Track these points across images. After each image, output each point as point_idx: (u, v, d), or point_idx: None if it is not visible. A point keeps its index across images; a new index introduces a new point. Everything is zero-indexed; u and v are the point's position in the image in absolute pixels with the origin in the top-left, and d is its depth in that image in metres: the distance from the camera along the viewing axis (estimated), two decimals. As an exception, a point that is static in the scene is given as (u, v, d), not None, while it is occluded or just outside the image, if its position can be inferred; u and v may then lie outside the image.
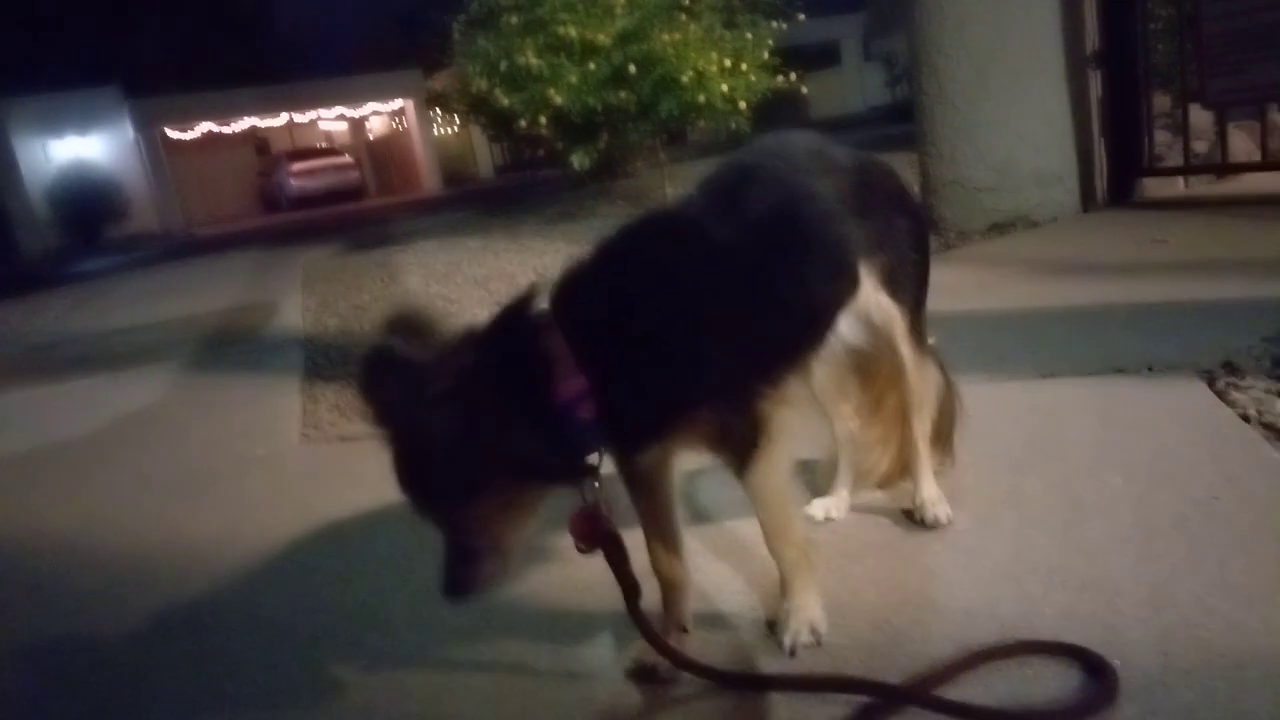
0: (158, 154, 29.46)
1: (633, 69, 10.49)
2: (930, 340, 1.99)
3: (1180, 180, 5.45)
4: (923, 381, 1.92)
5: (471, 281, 6.74)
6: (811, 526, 1.98)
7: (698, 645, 1.61)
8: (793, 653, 1.56)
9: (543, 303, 1.43)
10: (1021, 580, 1.66)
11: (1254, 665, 1.34)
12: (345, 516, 2.57)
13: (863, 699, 1.39)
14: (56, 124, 27.65)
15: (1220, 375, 2.45)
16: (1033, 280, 3.99)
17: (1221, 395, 2.33)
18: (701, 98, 10.70)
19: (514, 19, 10.90)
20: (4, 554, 2.84)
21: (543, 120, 11.04)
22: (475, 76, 11.53)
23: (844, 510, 2.05)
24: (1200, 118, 5.34)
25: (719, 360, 1.47)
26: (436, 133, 32.66)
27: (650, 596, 1.58)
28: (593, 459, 1.47)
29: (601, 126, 11.43)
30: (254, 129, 33.69)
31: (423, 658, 1.79)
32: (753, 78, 11.25)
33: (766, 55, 11.61)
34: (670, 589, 1.63)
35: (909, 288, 1.84)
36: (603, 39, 10.52)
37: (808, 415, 1.95)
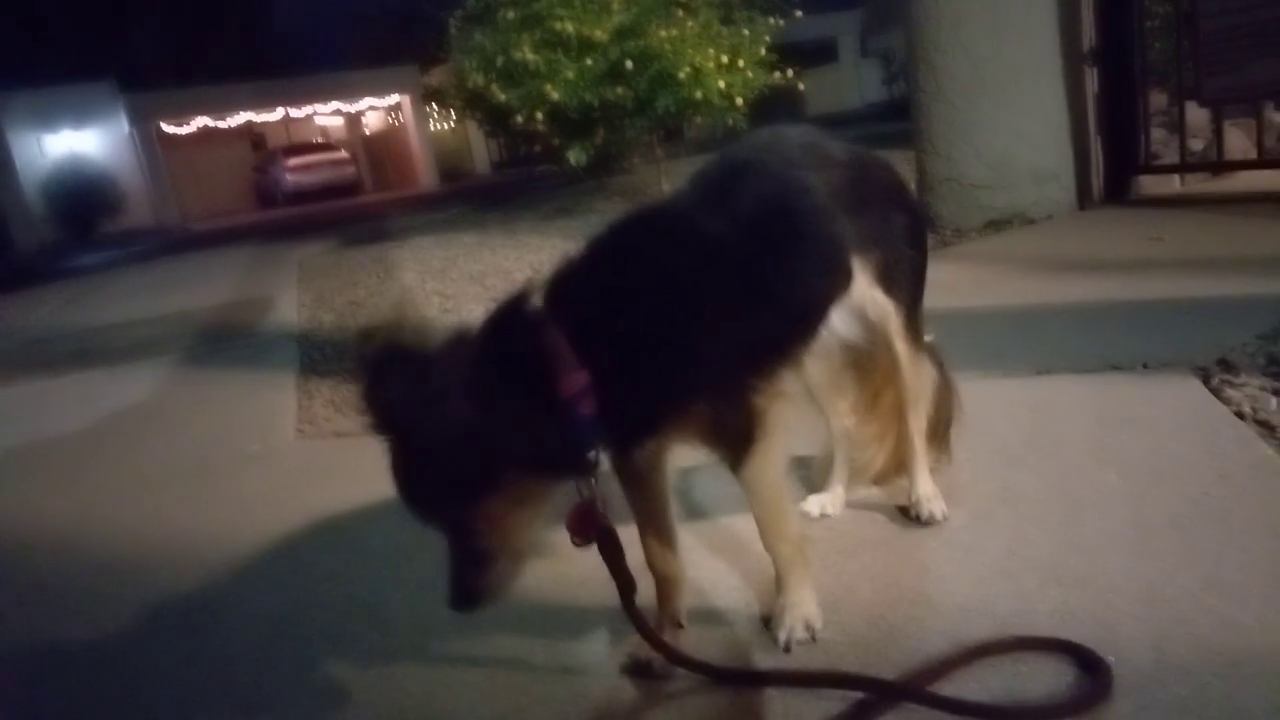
0: (153, 148, 29.36)
1: (630, 65, 10.48)
2: (928, 338, 1.99)
3: (1176, 178, 5.46)
4: (918, 378, 1.92)
5: (468, 278, 6.73)
6: (807, 522, 1.98)
7: (693, 641, 1.61)
8: (788, 649, 1.56)
9: (536, 300, 1.42)
10: (1017, 576, 1.67)
11: (1248, 662, 1.35)
12: (341, 512, 2.57)
13: (858, 695, 1.40)
14: (51, 118, 27.53)
15: (1215, 372, 2.46)
16: (1029, 277, 4.00)
17: (1216, 393, 2.34)
18: (698, 94, 10.70)
19: (511, 14, 10.88)
20: (-2, 549, 2.84)
21: (539, 116, 11.03)
22: (472, 72, 11.51)
23: (839, 506, 2.05)
24: (1196, 115, 5.35)
25: (712, 354, 1.47)
26: (433, 128, 32.58)
27: (645, 592, 1.58)
28: (595, 452, 1.46)
29: (598, 122, 11.42)
30: (250, 124, 33.58)
31: (418, 653, 1.79)
32: (749, 74, 11.25)
33: (763, 51, 11.61)
34: (665, 584, 1.63)
35: (905, 284, 1.84)
36: (600, 34, 10.51)
37: (804, 411, 1.95)
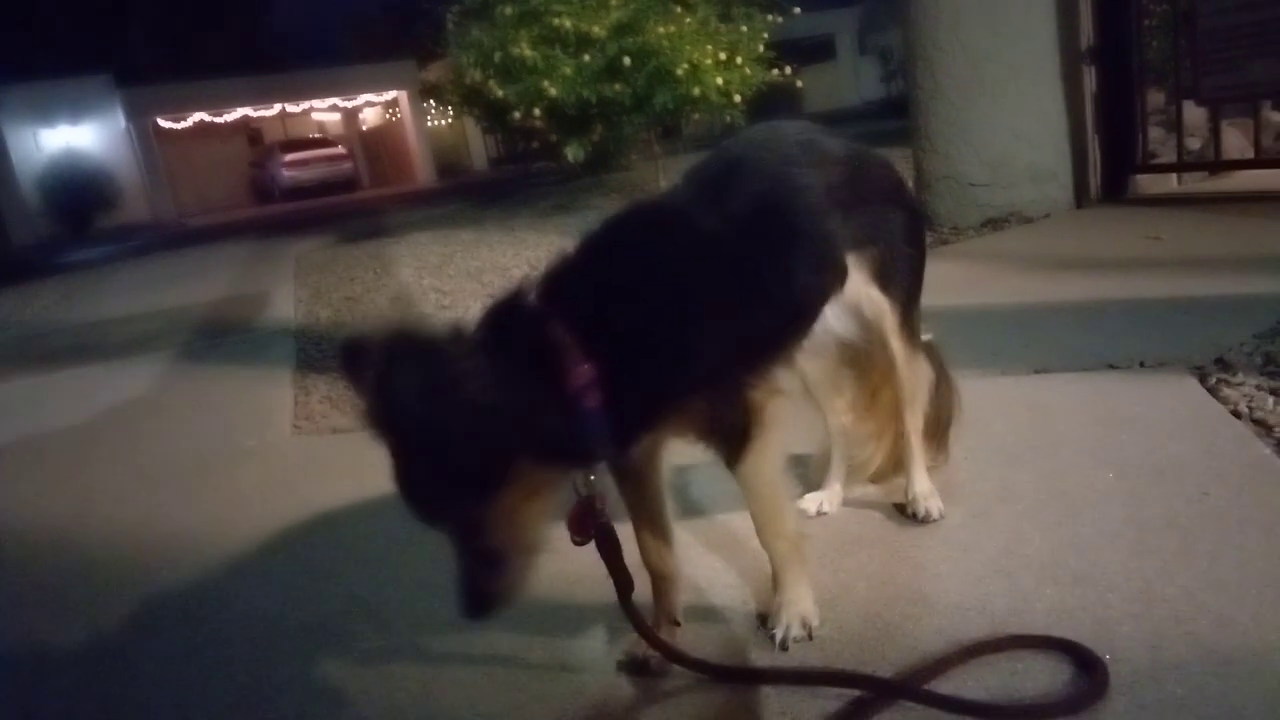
0: (149, 143, 29.31)
1: (627, 61, 10.48)
2: (928, 336, 1.99)
3: (1174, 177, 5.46)
4: (914, 376, 1.91)
5: (465, 274, 6.73)
6: (804, 520, 1.98)
7: (689, 638, 1.61)
8: (784, 646, 1.56)
9: (533, 296, 1.42)
10: (1013, 575, 1.67)
11: (1244, 660, 1.35)
12: (337, 508, 2.57)
13: (854, 693, 1.40)
14: (48, 113, 27.48)
15: (1212, 371, 2.46)
16: (1026, 276, 4.00)
17: (1213, 391, 2.34)
18: (696, 91, 10.70)
19: (508, 10, 10.88)
20: (-7, 544, 2.83)
21: (537, 112, 11.03)
22: (469, 68, 11.51)
23: (837, 504, 2.05)
24: (1194, 114, 5.35)
25: (704, 350, 1.47)
26: (430, 124, 32.52)
27: (642, 590, 1.58)
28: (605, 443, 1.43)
29: (596, 119, 11.43)
30: (246, 119, 33.50)
31: (414, 650, 1.79)
32: (747, 71, 11.25)
33: (761, 49, 11.62)
34: (661, 582, 1.63)
35: (901, 282, 1.84)
36: (598, 31, 10.51)
37: (801, 409, 1.95)
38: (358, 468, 2.69)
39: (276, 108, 33.24)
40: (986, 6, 5.02)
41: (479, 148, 32.93)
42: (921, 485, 1.95)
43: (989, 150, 5.17)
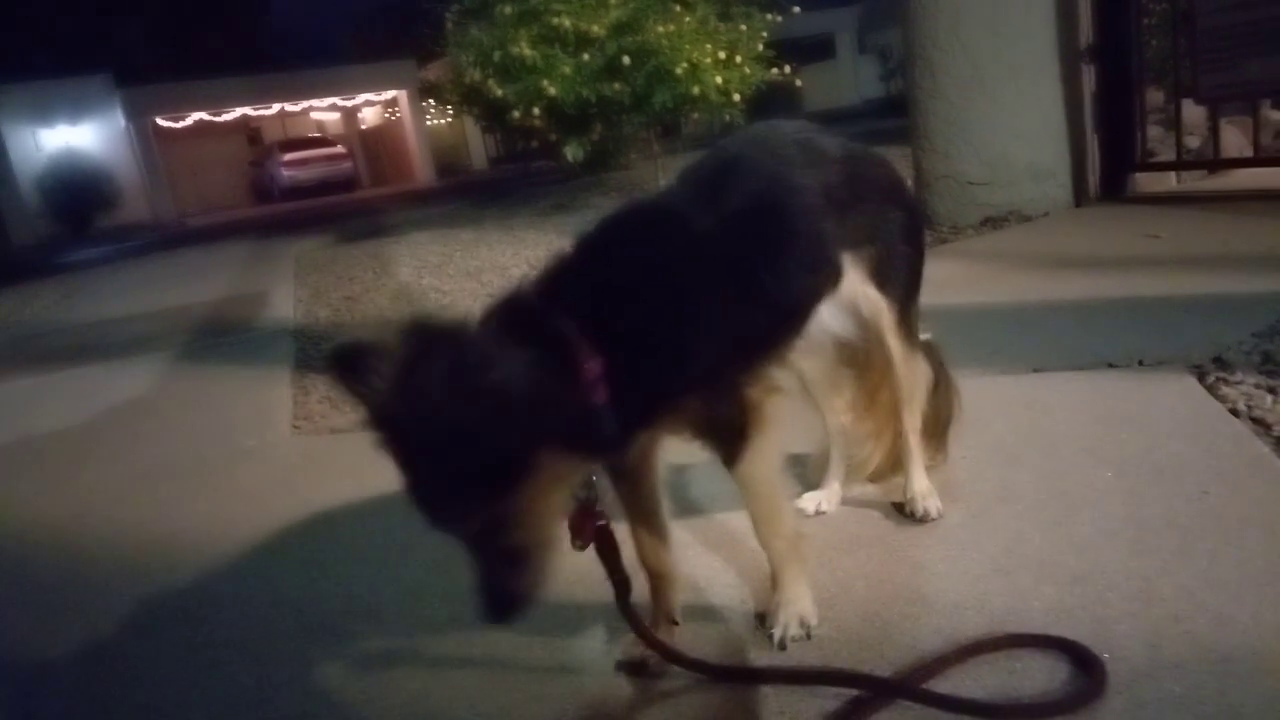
0: (149, 143, 29.29)
1: (627, 60, 10.49)
2: (927, 336, 1.99)
3: (1172, 175, 5.45)
4: (911, 375, 1.91)
5: (464, 274, 6.73)
6: (802, 519, 1.98)
7: (687, 638, 1.61)
8: (783, 646, 1.56)
9: (533, 294, 1.42)
10: (1011, 574, 1.67)
11: (1242, 659, 1.35)
12: (336, 508, 2.57)
13: (853, 692, 1.40)
14: (47, 112, 27.47)
15: (1211, 370, 2.46)
16: (1025, 274, 4.00)
17: (1212, 390, 2.34)
18: (695, 90, 10.70)
19: (508, 9, 10.88)
20: (-8, 545, 2.83)
21: (536, 111, 11.04)
22: (469, 67, 11.52)
23: (835, 503, 2.05)
24: (1193, 113, 5.35)
25: (701, 347, 1.47)
26: (430, 123, 32.52)
27: (639, 590, 1.58)
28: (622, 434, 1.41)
29: (595, 118, 11.44)
30: (246, 118, 33.50)
31: (413, 650, 1.79)
32: (747, 70, 11.26)
33: (761, 48, 11.63)
34: (659, 581, 1.63)
35: (899, 280, 1.83)
36: (597, 30, 10.51)
37: (800, 408, 1.95)
38: (357, 468, 2.69)
39: (276, 107, 33.24)
40: (986, 6, 5.02)
41: (478, 147, 32.94)
42: (920, 484, 1.94)
43: (988, 149, 5.17)
